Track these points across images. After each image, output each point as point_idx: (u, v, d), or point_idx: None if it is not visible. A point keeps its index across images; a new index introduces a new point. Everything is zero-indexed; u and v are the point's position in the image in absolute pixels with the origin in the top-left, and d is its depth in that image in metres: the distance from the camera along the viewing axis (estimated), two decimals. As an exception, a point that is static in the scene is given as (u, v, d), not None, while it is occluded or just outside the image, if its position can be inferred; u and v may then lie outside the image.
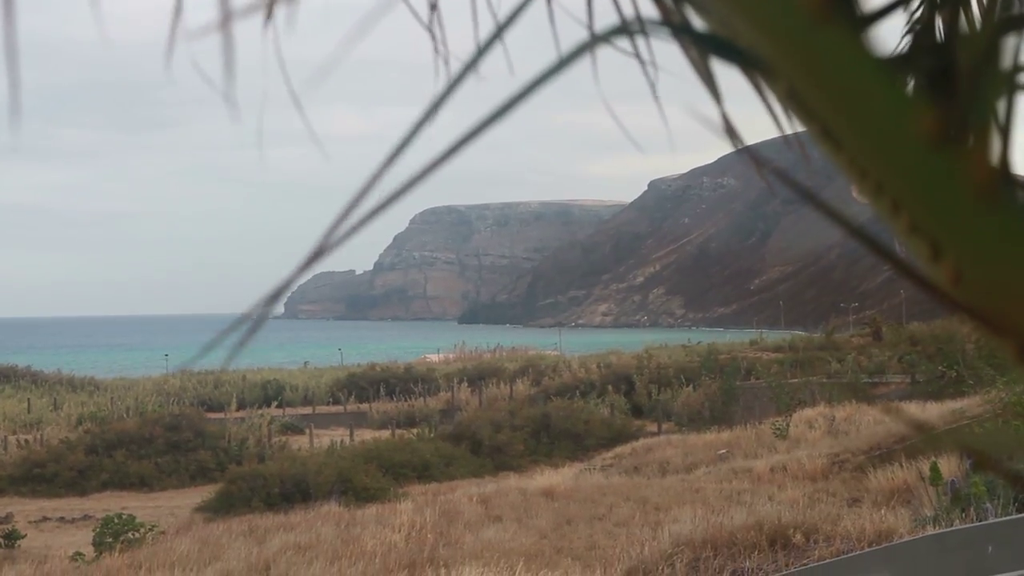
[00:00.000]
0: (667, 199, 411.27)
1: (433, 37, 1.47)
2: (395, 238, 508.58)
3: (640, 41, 1.25)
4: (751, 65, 0.99)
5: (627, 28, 1.02)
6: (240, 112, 1.08)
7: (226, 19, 0.97)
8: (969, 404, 27.43)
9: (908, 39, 0.97)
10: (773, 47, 0.83)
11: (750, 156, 1.22)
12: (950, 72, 0.89)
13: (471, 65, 1.00)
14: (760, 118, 1.16)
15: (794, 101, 0.96)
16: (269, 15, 1.03)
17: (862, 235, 0.99)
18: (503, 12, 1.03)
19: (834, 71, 0.81)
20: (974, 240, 0.85)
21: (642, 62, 1.27)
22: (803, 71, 0.82)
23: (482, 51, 1.00)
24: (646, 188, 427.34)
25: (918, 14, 1.26)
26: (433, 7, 1.49)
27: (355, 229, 0.93)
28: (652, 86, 1.35)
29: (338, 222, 0.93)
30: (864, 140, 0.83)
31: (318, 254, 0.93)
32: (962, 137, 0.82)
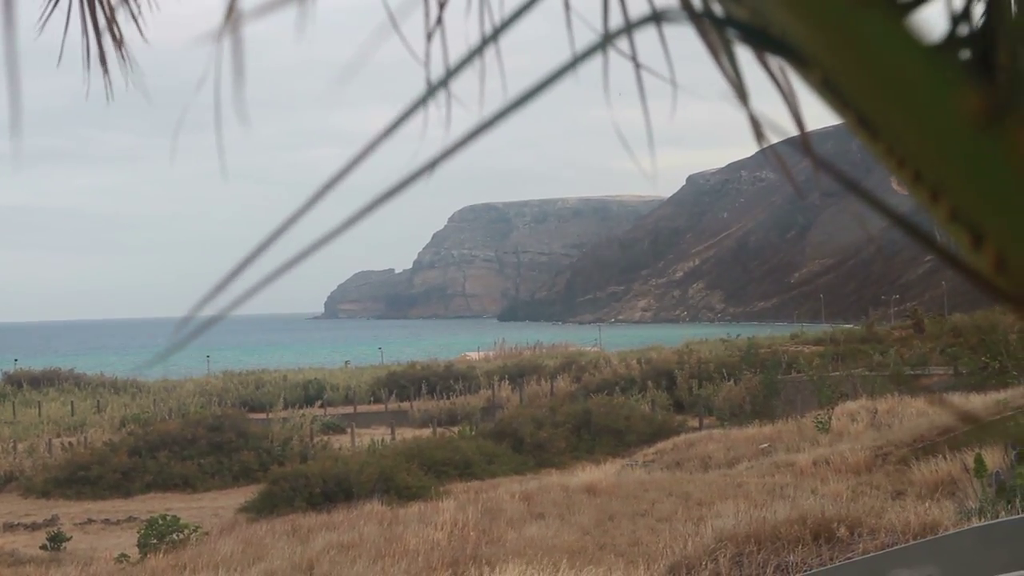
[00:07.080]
0: (705, 193, 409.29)
1: (428, 69, 1.46)
2: (434, 236, 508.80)
3: (665, 32, 1.23)
4: (783, 53, 0.98)
5: (657, 17, 1.00)
6: (250, 117, 1.06)
7: (235, 21, 0.95)
8: (1013, 395, 27.25)
9: (945, 26, 0.95)
10: (813, 32, 0.81)
11: (774, 155, 1.20)
12: (988, 59, 0.87)
13: (439, 85, 0.98)
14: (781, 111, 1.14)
15: (829, 90, 0.95)
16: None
17: (904, 223, 0.98)
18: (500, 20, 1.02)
19: (877, 54, 0.79)
20: (1018, 224, 0.83)
21: (663, 62, 1.25)
22: (844, 55, 0.81)
23: (452, 72, 0.98)
24: (684, 183, 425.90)
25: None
26: (429, 36, 1.48)
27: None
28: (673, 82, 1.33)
29: (283, 226, 0.91)
30: (908, 123, 0.81)
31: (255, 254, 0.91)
32: (1007, 119, 0.80)
